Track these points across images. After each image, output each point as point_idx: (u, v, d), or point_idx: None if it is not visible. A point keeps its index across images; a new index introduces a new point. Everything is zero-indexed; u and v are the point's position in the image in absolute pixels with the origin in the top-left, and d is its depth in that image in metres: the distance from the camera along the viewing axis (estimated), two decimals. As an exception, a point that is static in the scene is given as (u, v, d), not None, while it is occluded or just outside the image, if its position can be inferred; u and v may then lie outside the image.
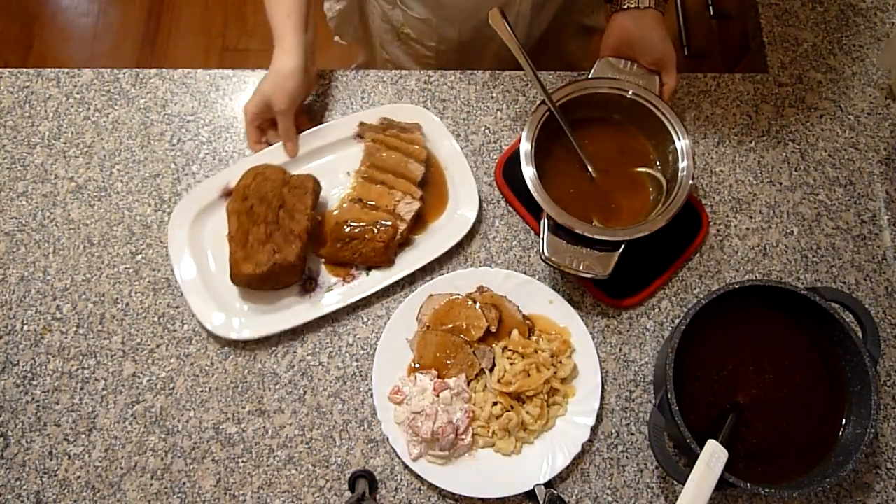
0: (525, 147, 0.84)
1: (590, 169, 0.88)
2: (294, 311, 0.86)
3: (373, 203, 0.89)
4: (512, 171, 0.90)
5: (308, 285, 0.88)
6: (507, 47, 0.86)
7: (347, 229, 0.87)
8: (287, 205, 0.86)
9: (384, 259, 0.88)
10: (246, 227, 0.85)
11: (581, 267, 0.80)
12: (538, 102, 0.86)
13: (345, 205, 0.91)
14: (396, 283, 0.88)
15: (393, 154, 0.91)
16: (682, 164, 0.83)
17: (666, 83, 0.88)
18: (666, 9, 0.89)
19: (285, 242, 0.84)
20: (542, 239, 0.81)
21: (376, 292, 0.87)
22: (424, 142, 0.93)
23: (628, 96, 0.87)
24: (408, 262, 0.89)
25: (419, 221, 0.91)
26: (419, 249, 0.90)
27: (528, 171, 0.83)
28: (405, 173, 0.91)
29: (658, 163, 0.89)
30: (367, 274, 0.89)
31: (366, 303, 0.89)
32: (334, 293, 0.88)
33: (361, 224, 0.87)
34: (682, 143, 0.84)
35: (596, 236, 0.80)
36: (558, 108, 0.86)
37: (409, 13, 1.04)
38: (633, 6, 0.86)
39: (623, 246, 0.81)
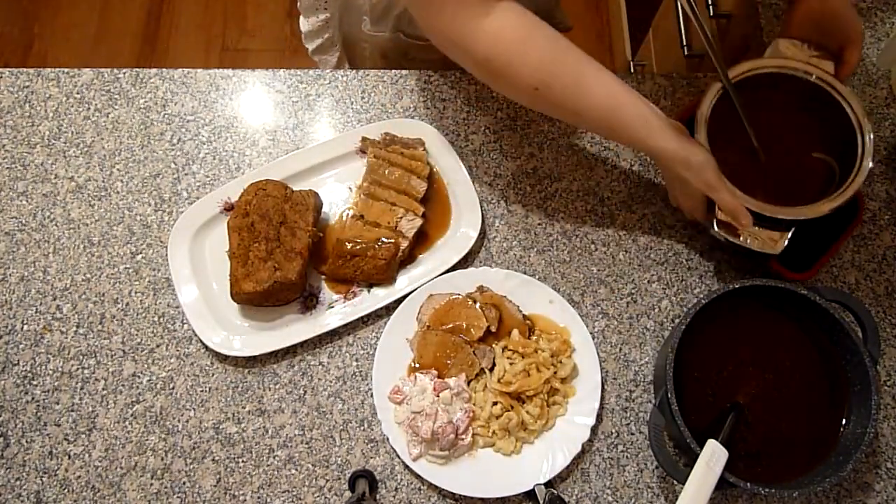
0: (699, 125, 0.83)
1: (758, 148, 0.86)
2: (295, 329, 0.86)
3: (375, 220, 0.89)
4: None
5: (309, 302, 0.88)
6: None
7: (349, 246, 0.86)
8: (288, 221, 0.86)
9: (385, 276, 0.88)
10: (247, 244, 0.84)
11: (756, 244, 0.81)
12: (715, 80, 0.84)
13: (346, 221, 0.91)
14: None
15: (395, 170, 0.91)
16: (860, 149, 0.82)
17: (849, 60, 0.83)
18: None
19: (286, 260, 0.84)
20: (714, 215, 0.82)
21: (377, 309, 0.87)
22: (427, 158, 0.93)
23: (812, 80, 0.85)
24: (410, 280, 0.89)
25: (423, 238, 0.91)
26: (422, 267, 0.90)
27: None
28: (407, 190, 0.91)
29: (828, 146, 0.87)
30: (369, 291, 0.88)
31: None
32: (335, 310, 0.87)
33: (363, 241, 0.87)
34: (868, 136, 0.82)
35: (773, 215, 0.80)
36: (733, 87, 0.83)
37: (412, 40, 1.03)
38: None
39: (794, 227, 0.81)
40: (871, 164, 0.81)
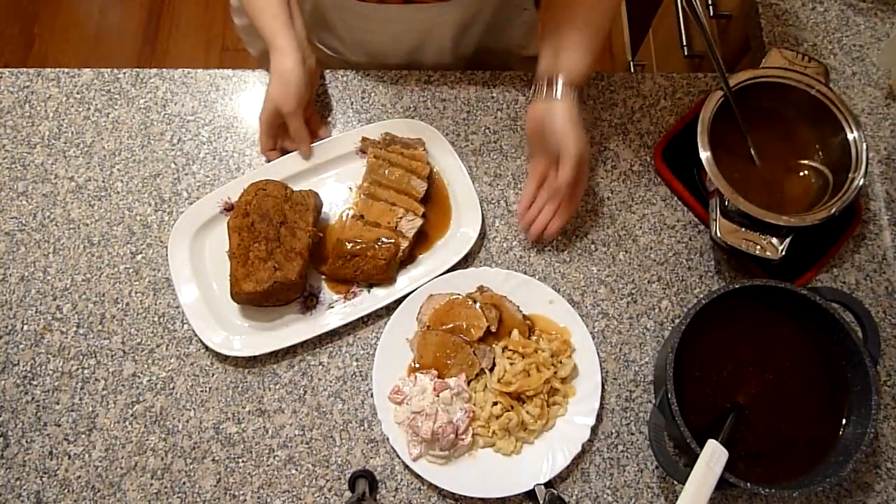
0: (701, 131, 0.84)
1: (754, 156, 0.88)
2: (295, 329, 0.86)
3: (375, 220, 0.89)
4: (672, 154, 0.93)
5: (309, 302, 0.88)
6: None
7: (349, 246, 0.86)
8: (288, 221, 0.86)
9: (385, 277, 0.88)
10: (247, 244, 0.84)
11: (756, 250, 0.82)
12: (716, 88, 0.86)
13: (346, 221, 0.91)
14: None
15: (395, 170, 0.91)
16: (853, 162, 0.84)
17: (559, 174, 0.84)
18: (582, 100, 0.87)
19: (286, 260, 0.84)
20: (714, 221, 0.83)
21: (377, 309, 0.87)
22: (427, 158, 0.93)
23: (812, 92, 0.87)
24: (410, 280, 0.89)
25: (423, 239, 0.91)
26: (422, 267, 0.90)
27: (705, 156, 0.83)
28: (407, 190, 0.91)
29: (822, 156, 0.89)
30: (369, 291, 0.89)
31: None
32: (335, 310, 0.87)
33: (363, 241, 0.87)
34: (862, 147, 0.84)
35: (762, 219, 0.81)
36: (734, 94, 0.85)
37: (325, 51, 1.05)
38: (542, 96, 0.85)
39: (793, 232, 0.82)
40: (862, 182, 0.83)
